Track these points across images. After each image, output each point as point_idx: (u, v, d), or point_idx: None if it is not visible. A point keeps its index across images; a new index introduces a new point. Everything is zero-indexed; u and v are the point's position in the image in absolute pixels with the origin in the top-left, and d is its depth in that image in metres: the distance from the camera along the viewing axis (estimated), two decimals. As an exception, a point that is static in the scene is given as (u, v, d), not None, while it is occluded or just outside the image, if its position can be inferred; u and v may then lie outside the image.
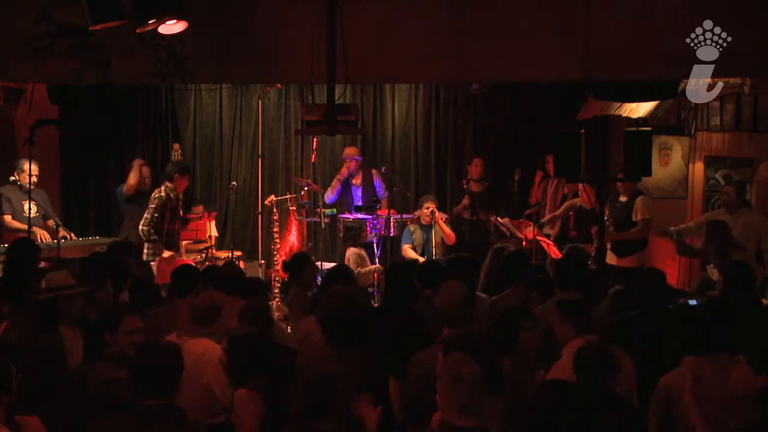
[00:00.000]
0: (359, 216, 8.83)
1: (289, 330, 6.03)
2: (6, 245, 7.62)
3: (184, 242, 8.46)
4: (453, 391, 3.27)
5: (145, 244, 7.85)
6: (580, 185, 7.77)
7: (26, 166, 7.76)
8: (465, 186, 9.16)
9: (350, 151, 9.41)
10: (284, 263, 6.73)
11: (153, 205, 7.86)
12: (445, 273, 5.36)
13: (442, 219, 8.66)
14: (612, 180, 7.16)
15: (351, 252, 8.56)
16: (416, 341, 4.20)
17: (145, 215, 7.86)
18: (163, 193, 7.91)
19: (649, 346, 4.57)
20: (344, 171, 9.27)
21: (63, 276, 4.84)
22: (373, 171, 9.41)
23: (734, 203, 7.38)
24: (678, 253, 7.47)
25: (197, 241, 8.74)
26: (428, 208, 8.69)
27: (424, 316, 4.48)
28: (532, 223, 8.44)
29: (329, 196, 9.34)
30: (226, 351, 4.08)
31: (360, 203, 9.03)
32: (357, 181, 9.27)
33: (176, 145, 8.90)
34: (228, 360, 4.06)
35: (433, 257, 8.35)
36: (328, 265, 8.39)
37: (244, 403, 3.87)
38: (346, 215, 9.09)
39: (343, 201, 9.29)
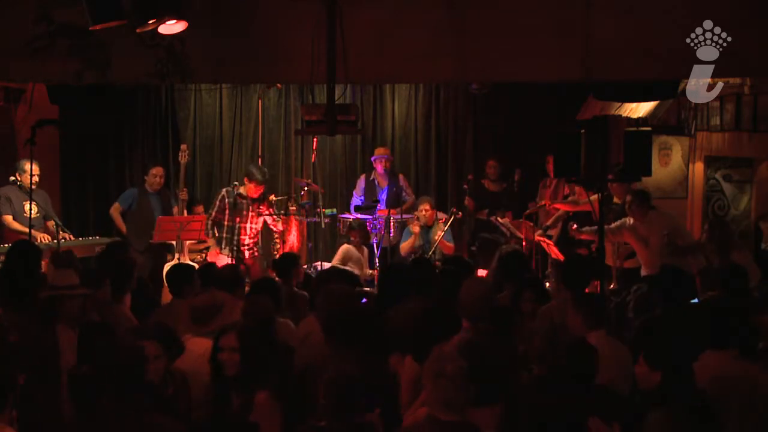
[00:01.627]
0: (359, 216, 8.83)
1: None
2: (7, 245, 7.63)
3: (188, 242, 8.47)
4: (436, 386, 3.32)
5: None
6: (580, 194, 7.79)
7: (27, 166, 7.75)
8: (465, 187, 9.16)
9: (381, 151, 9.42)
10: (273, 263, 6.76)
11: (214, 202, 8.32)
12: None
13: (439, 227, 8.62)
14: (613, 181, 7.15)
15: (343, 247, 8.61)
16: (440, 328, 4.26)
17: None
18: (223, 191, 8.30)
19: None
20: (380, 168, 9.27)
21: (67, 275, 4.81)
22: (400, 175, 9.44)
23: (638, 211, 7.36)
24: (668, 254, 7.37)
25: (200, 241, 8.75)
26: (422, 210, 8.67)
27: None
28: (532, 223, 8.44)
29: (357, 195, 9.37)
30: (239, 347, 3.99)
31: (384, 206, 9.00)
32: (383, 182, 9.28)
33: (183, 146, 8.92)
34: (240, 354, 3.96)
35: (434, 258, 8.34)
36: (328, 266, 8.40)
37: (267, 407, 3.76)
38: (346, 215, 9.10)
39: (368, 201, 9.28)
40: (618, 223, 7.49)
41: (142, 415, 3.45)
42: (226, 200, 8.20)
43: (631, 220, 7.40)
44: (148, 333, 4.10)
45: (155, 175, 8.70)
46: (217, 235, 8.23)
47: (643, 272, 7.43)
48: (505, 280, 5.88)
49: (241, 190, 8.24)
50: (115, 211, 8.71)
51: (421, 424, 3.44)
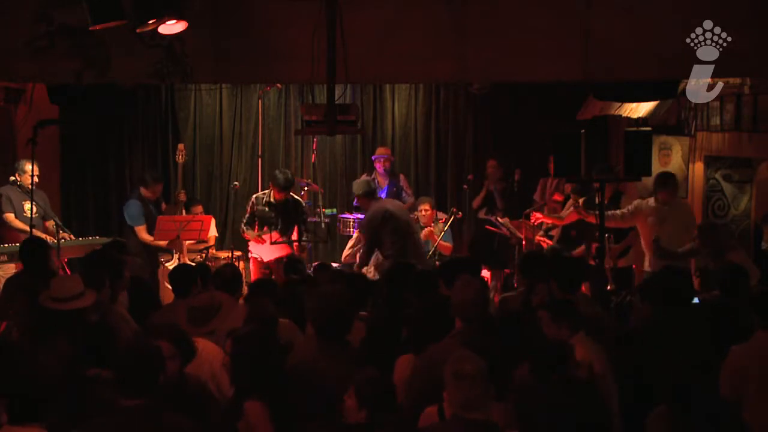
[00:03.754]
0: (359, 216, 8.83)
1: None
2: (7, 245, 7.64)
3: (187, 242, 8.43)
4: (457, 388, 3.35)
5: None
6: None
7: (28, 166, 7.76)
8: (465, 187, 9.15)
9: (382, 151, 9.41)
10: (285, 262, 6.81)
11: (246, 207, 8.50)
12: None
13: (438, 227, 8.61)
14: (614, 181, 7.14)
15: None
16: (439, 326, 4.31)
17: None
18: (253, 198, 8.37)
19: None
20: (380, 168, 9.27)
21: (72, 283, 4.75)
22: (401, 175, 9.43)
23: (666, 192, 7.27)
24: (656, 257, 7.30)
25: (200, 241, 8.73)
26: (421, 210, 8.66)
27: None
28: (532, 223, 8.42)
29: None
30: (231, 353, 4.00)
31: None
32: (383, 182, 9.28)
33: (180, 146, 8.91)
34: (232, 362, 3.97)
35: (434, 258, 8.34)
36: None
37: (257, 415, 3.73)
38: (346, 215, 9.09)
39: None
40: (633, 206, 7.38)
41: (159, 415, 3.44)
42: (255, 207, 8.28)
43: (652, 201, 7.32)
44: (161, 333, 4.03)
45: (155, 191, 8.46)
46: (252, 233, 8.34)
47: (646, 266, 7.35)
48: (521, 277, 5.91)
49: (271, 197, 8.23)
50: (144, 233, 8.26)
51: (446, 423, 3.48)
